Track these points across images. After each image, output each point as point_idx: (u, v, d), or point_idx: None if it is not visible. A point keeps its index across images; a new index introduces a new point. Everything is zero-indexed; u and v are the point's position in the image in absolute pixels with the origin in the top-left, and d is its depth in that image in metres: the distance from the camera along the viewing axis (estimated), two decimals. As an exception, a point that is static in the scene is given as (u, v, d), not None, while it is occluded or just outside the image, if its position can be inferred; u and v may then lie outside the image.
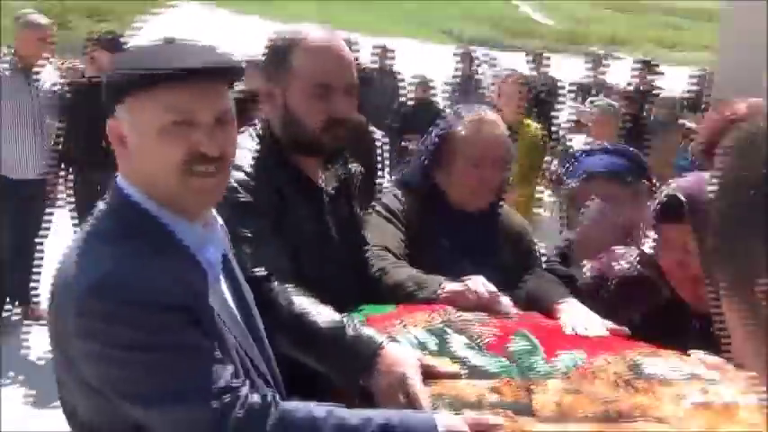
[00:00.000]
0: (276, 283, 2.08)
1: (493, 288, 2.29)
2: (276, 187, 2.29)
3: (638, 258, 2.45)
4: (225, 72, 1.77)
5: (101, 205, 1.79)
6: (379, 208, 2.76)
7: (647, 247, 2.41)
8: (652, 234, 2.39)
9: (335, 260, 2.42)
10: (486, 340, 2.09)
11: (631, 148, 3.27)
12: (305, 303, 2.07)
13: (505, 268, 2.56)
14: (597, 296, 2.42)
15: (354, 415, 1.71)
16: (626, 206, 2.84)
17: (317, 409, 1.71)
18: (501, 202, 2.90)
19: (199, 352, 1.67)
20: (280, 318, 2.04)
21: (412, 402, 1.87)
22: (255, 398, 1.67)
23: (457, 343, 2.07)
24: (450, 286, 2.32)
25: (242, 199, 2.20)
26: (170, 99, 1.70)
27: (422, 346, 2.06)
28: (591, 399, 1.85)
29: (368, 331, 2.03)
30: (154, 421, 1.65)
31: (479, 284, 2.29)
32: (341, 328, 2.02)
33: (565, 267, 2.70)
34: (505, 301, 2.28)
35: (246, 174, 2.24)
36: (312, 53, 2.31)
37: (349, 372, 1.99)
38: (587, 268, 2.55)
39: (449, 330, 2.12)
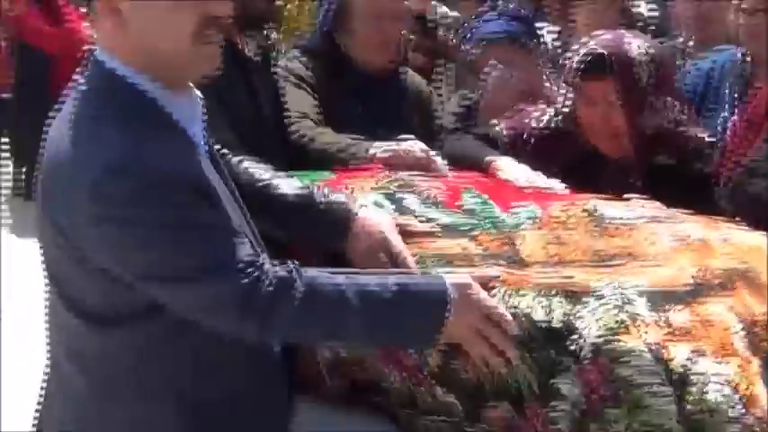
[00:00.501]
0: (230, 155, 1.99)
1: (426, 148, 2.28)
2: None
3: (553, 114, 2.51)
4: None
5: (80, 86, 1.65)
6: (286, 74, 2.71)
7: (562, 103, 2.48)
8: (566, 90, 2.47)
9: (266, 129, 2.41)
10: (440, 199, 2.06)
11: (522, 10, 3.38)
12: (265, 174, 1.98)
13: (413, 130, 2.51)
14: (514, 152, 2.45)
15: (371, 279, 1.68)
16: (524, 68, 2.97)
17: (337, 276, 1.67)
18: (405, 67, 2.95)
19: (218, 228, 1.61)
20: (242, 190, 1.94)
21: (397, 262, 1.84)
22: (280, 271, 1.61)
23: (413, 203, 2.03)
24: (385, 147, 2.30)
25: None
26: None
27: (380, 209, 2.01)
28: (576, 246, 1.86)
29: (338, 197, 1.96)
30: (179, 300, 1.60)
31: (414, 145, 2.28)
32: (310, 196, 1.94)
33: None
34: (440, 160, 2.28)
35: None
36: None
37: (325, 239, 1.93)
38: (501, 127, 2.58)
39: (399, 192, 2.08)
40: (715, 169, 2.51)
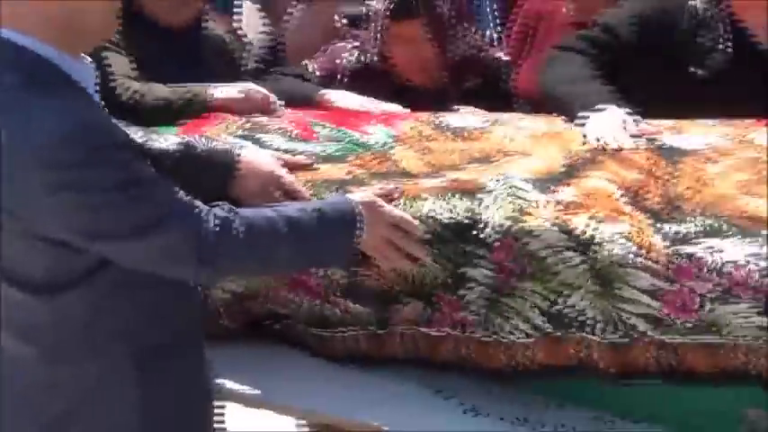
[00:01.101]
0: None
1: (262, 89, 2.43)
2: None
3: (363, 53, 2.70)
4: None
5: None
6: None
7: (372, 42, 2.66)
8: (375, 30, 2.65)
9: None
10: (296, 132, 2.20)
11: None
12: (140, 132, 2.02)
13: (222, 77, 2.61)
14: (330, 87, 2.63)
15: (291, 208, 1.80)
16: (324, 7, 3.15)
17: (265, 210, 1.78)
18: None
19: (158, 180, 1.67)
20: None
21: (291, 194, 1.97)
22: (220, 212, 1.70)
23: (276, 140, 2.16)
24: (223, 92, 2.42)
25: None
26: None
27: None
28: (446, 151, 2.09)
29: (217, 143, 2.05)
30: (136, 254, 1.65)
31: (251, 88, 2.42)
32: (191, 146, 2.02)
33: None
34: (276, 100, 2.42)
35: None
36: None
37: (213, 184, 1.99)
38: (313, 67, 2.73)
39: (255, 132, 2.20)
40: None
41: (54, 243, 1.63)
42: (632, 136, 2.00)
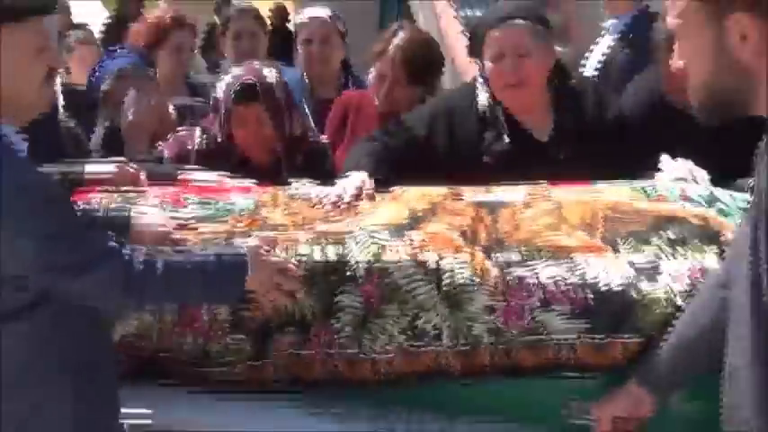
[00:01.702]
0: None
1: (133, 165, 2.74)
2: None
3: (205, 135, 3.11)
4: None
5: None
6: None
7: (218, 125, 3.06)
8: (219, 114, 3.05)
9: None
10: (168, 201, 2.55)
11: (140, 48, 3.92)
12: None
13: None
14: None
15: (195, 253, 2.21)
16: (154, 92, 3.51)
17: (176, 254, 2.17)
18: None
19: (93, 227, 2.09)
20: None
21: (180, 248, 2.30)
22: (140, 253, 2.07)
23: (152, 208, 2.49)
24: (97, 167, 2.69)
25: None
26: (37, 28, 2.01)
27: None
28: (305, 212, 2.50)
29: (116, 207, 2.41)
30: (76, 289, 2.01)
31: (123, 164, 2.72)
32: (90, 209, 2.35)
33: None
34: (143, 176, 2.73)
35: None
36: None
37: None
38: (162, 151, 3.13)
39: (138, 202, 2.52)
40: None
41: (3, 279, 1.93)
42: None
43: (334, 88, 3.99)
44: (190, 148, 3.10)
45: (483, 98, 2.87)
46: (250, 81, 3.00)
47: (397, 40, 3.35)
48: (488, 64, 2.82)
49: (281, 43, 5.67)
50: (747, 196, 2.39)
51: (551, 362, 2.22)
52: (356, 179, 2.57)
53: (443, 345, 2.25)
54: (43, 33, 2.04)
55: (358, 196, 2.52)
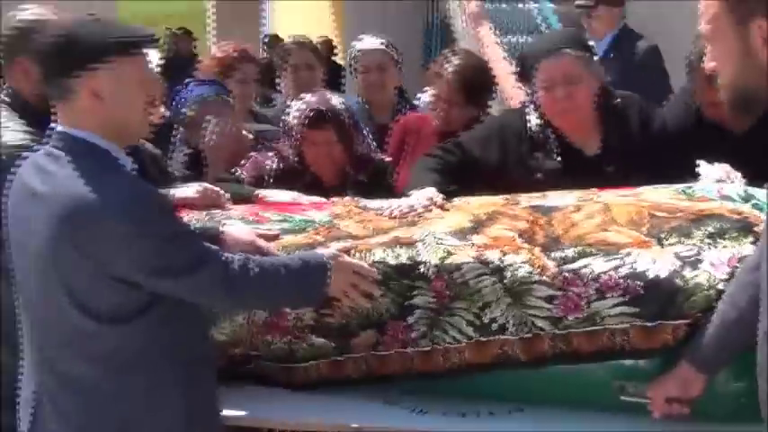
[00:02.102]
0: None
1: (214, 188, 3.01)
2: None
3: (279, 158, 3.39)
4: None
5: (53, 152, 2.25)
6: None
7: (292, 148, 3.36)
8: (292, 139, 3.35)
9: None
10: (251, 218, 2.83)
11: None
12: None
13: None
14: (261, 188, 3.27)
15: (283, 257, 2.52)
16: (231, 118, 3.81)
17: (265, 258, 2.47)
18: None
19: (195, 234, 2.42)
20: None
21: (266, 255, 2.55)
22: (239, 256, 2.35)
23: (238, 224, 2.74)
24: (182, 191, 2.96)
25: None
26: (143, 61, 2.31)
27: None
28: (379, 221, 2.78)
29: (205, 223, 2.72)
30: (184, 290, 2.28)
31: (207, 187, 2.99)
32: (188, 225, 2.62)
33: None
34: (225, 196, 3.01)
35: None
36: None
37: None
38: (241, 174, 3.40)
39: (223, 219, 2.79)
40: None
41: (122, 281, 2.21)
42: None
43: (391, 113, 4.27)
44: (266, 168, 3.38)
45: (534, 120, 3.13)
46: (320, 108, 3.30)
47: (452, 64, 3.62)
48: (540, 91, 3.08)
49: (330, 75, 6.02)
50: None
51: (607, 347, 2.45)
52: (426, 192, 2.84)
53: (508, 335, 2.49)
54: (146, 65, 2.34)
55: (428, 207, 2.78)
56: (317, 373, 2.69)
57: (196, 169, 3.62)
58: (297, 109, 3.35)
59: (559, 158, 3.10)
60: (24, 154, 2.35)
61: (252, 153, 3.53)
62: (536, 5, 8.14)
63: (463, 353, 2.54)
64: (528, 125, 3.14)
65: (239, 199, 3.13)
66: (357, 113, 3.84)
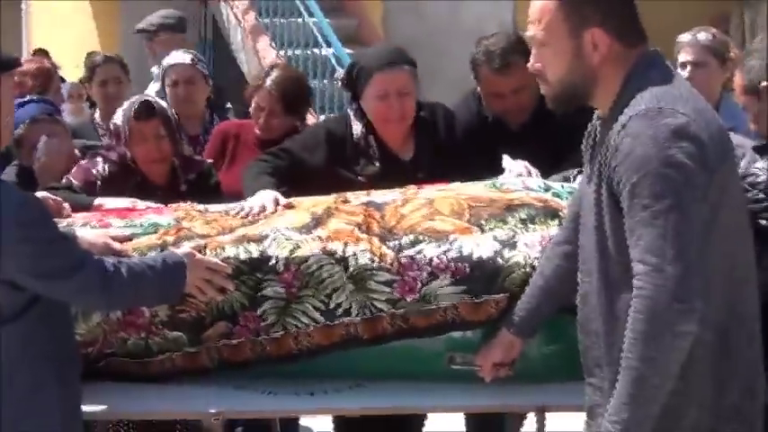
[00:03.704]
0: None
1: (55, 197, 3.14)
2: None
3: (107, 162, 3.51)
4: None
5: None
6: None
7: (121, 142, 3.49)
8: (123, 133, 3.47)
9: None
10: (95, 224, 2.98)
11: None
12: None
13: None
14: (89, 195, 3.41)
15: (146, 259, 2.68)
16: (63, 136, 3.89)
17: (133, 260, 2.66)
18: None
19: (72, 239, 2.56)
20: None
21: (121, 257, 2.71)
22: (109, 260, 2.52)
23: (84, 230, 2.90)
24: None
25: None
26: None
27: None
28: (221, 221, 2.99)
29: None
30: (62, 292, 2.44)
31: (46, 196, 3.08)
32: None
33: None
34: (67, 207, 3.13)
35: None
36: None
37: None
38: (72, 180, 3.50)
39: (67, 227, 2.90)
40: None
41: (7, 283, 2.34)
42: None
43: (201, 125, 4.48)
44: (94, 173, 3.51)
45: (357, 128, 3.44)
46: (147, 99, 3.49)
47: (272, 76, 3.88)
48: (374, 101, 3.38)
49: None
50: (573, 185, 3.06)
51: (440, 322, 2.79)
52: (270, 193, 3.09)
53: (352, 317, 2.78)
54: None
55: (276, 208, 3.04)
56: (172, 365, 2.87)
57: (28, 185, 3.67)
58: (123, 109, 3.51)
59: (378, 164, 3.42)
60: None
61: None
62: (313, 19, 8.46)
63: (312, 336, 2.80)
64: (351, 132, 3.44)
65: (77, 207, 3.25)
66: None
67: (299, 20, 8.70)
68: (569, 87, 2.24)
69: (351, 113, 3.49)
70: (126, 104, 3.53)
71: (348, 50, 8.01)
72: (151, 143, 3.47)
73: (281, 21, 8.84)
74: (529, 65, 2.32)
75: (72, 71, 7.58)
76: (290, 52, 8.73)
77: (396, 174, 3.36)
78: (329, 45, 8.26)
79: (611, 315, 2.21)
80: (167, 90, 4.42)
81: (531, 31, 2.26)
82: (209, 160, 3.82)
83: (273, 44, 8.88)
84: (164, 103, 3.55)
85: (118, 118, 3.51)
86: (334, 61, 8.19)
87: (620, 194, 2.13)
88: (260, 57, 8.93)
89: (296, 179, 3.36)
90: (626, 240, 2.13)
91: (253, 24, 9.08)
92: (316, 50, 8.52)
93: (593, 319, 2.27)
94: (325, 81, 8.28)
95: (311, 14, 8.51)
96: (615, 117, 2.17)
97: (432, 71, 6.20)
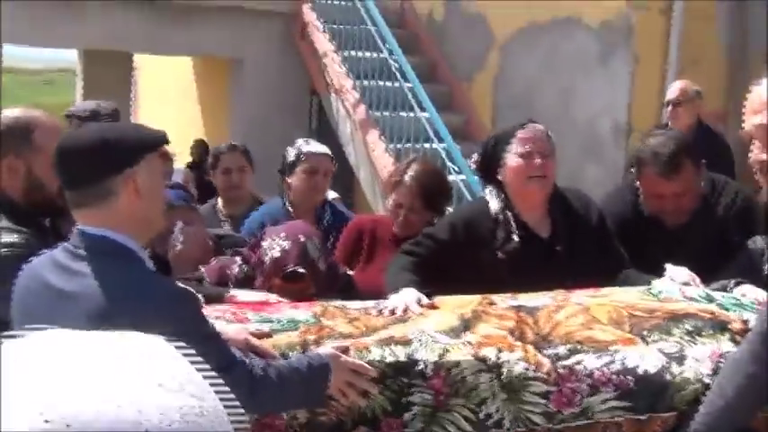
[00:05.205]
0: None
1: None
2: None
3: (245, 266, 3.40)
4: None
5: (74, 251, 2.24)
6: None
7: (260, 279, 3.32)
8: (268, 280, 3.31)
9: None
10: (231, 318, 2.85)
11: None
12: None
13: None
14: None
15: (289, 362, 2.55)
16: (200, 224, 3.85)
17: (279, 363, 2.52)
18: None
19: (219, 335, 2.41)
20: None
21: (260, 354, 2.58)
22: (257, 362, 2.42)
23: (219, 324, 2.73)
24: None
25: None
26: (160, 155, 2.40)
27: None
28: (366, 320, 2.86)
29: None
30: None
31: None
32: None
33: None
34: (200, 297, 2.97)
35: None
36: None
37: None
38: (203, 273, 3.45)
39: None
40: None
41: None
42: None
43: (312, 217, 4.28)
44: (229, 273, 3.41)
45: (495, 205, 3.34)
46: (297, 270, 3.22)
47: (411, 171, 3.77)
48: (514, 161, 3.29)
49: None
50: (735, 294, 2.86)
51: (598, 439, 2.59)
52: (413, 293, 2.95)
53: (503, 429, 2.59)
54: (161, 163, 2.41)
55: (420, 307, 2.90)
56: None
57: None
58: (276, 253, 3.25)
59: (517, 238, 3.28)
60: (40, 254, 2.34)
61: (216, 257, 3.55)
62: (425, 114, 8.42)
63: (460, 448, 2.62)
64: (489, 210, 3.34)
65: (210, 299, 3.15)
66: (281, 217, 3.94)
67: (411, 114, 8.66)
68: None
69: (486, 193, 3.41)
70: (278, 252, 3.23)
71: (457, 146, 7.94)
72: (294, 293, 3.28)
73: (392, 114, 8.82)
74: (752, 156, 2.19)
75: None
76: (399, 146, 8.68)
77: (535, 250, 3.28)
78: (441, 140, 8.17)
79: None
80: (297, 177, 4.28)
81: (758, 120, 2.13)
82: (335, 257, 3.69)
83: (383, 137, 8.85)
84: (314, 252, 3.26)
85: (268, 258, 3.25)
86: (444, 155, 8.10)
87: None
88: (369, 149, 8.90)
89: (438, 264, 3.24)
90: None
91: (363, 118, 9.07)
92: (426, 145, 8.44)
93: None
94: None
95: (423, 109, 8.47)
96: None
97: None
